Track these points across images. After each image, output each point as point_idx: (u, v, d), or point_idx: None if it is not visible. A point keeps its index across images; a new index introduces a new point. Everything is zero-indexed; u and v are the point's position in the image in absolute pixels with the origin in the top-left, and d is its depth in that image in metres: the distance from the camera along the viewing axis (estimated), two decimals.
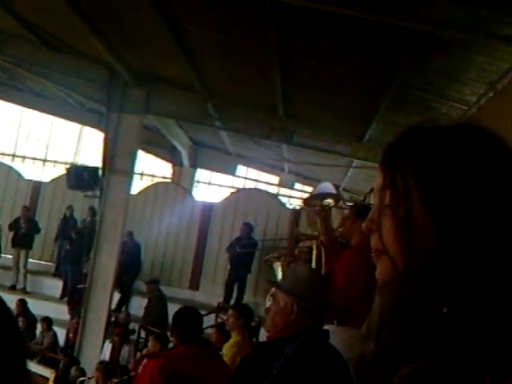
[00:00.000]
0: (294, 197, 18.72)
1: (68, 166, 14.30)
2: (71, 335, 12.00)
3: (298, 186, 18.67)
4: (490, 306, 0.90)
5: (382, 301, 1.16)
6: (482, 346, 0.87)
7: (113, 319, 12.12)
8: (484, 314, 0.89)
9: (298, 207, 15.89)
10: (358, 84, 8.38)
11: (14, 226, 14.61)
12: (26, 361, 1.08)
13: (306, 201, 6.35)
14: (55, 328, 12.49)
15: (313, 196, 5.76)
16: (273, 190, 18.47)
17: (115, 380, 7.75)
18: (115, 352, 10.91)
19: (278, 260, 5.38)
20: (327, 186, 5.79)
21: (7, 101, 17.22)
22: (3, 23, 10.34)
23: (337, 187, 9.69)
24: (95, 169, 11.93)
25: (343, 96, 9.01)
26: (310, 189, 16.35)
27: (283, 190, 18.98)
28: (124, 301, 13.81)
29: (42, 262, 15.59)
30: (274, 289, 3.16)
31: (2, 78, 15.18)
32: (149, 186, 16.80)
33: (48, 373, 10.72)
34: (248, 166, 18.52)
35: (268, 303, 3.23)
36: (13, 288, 14.43)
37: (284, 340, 2.86)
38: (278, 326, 3.01)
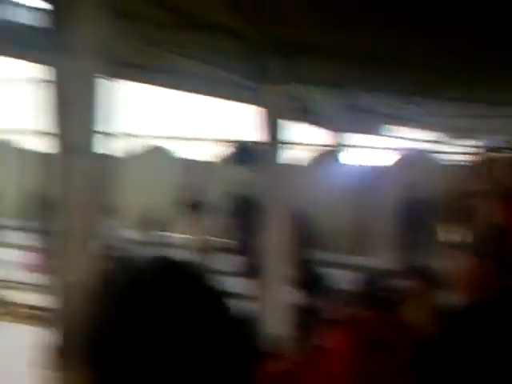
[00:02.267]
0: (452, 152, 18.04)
1: (233, 143, 14.52)
2: None
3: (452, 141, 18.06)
4: None
5: None
6: None
7: None
8: None
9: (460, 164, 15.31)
10: None
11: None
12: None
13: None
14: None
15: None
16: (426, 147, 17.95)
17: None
18: None
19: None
20: None
21: (145, 83, 17.54)
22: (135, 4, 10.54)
23: None
24: (255, 143, 12.09)
25: None
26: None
27: (437, 147, 18.42)
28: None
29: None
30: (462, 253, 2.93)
31: (137, 61, 15.52)
32: (312, 156, 16.75)
33: None
34: (397, 125, 18.07)
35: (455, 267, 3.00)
36: None
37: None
38: (474, 290, 2.78)
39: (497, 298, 2.63)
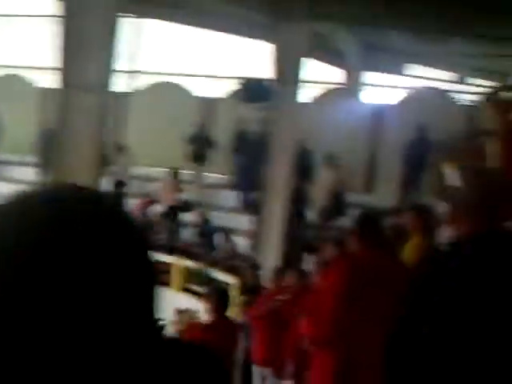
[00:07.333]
0: (468, 92, 17.80)
1: (240, 81, 14.48)
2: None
3: (470, 80, 17.82)
4: None
5: None
6: None
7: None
8: None
9: (474, 103, 15.13)
10: None
11: (193, 141, 15.13)
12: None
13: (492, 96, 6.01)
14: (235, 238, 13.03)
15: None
16: (443, 87, 17.69)
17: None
18: None
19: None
20: None
21: (171, 21, 17.32)
22: None
23: None
24: (267, 81, 12.11)
25: None
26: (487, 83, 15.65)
27: (455, 87, 18.16)
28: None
29: (219, 175, 15.96)
30: None
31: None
32: (324, 94, 16.68)
33: (230, 279, 11.14)
34: (418, 63, 17.80)
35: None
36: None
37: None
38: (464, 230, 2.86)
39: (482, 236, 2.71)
